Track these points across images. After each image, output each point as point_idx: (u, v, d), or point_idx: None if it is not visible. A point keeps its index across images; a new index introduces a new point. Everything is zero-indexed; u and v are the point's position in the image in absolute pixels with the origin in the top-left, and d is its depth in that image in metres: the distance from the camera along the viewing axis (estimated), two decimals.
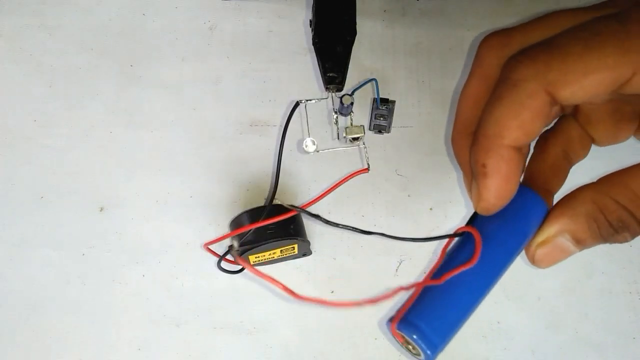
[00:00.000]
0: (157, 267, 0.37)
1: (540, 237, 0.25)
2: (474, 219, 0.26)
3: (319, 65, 0.37)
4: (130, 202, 0.38)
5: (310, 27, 0.39)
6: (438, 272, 0.25)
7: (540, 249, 0.25)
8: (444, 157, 0.39)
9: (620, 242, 0.25)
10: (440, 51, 0.42)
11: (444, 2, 0.43)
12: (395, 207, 0.38)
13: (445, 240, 0.26)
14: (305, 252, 0.36)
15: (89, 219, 0.38)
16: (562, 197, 0.26)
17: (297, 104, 0.35)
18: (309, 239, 0.35)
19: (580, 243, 0.25)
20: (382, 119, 0.39)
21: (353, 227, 0.27)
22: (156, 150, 0.39)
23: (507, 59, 0.23)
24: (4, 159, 0.39)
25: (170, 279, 0.37)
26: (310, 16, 0.40)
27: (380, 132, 0.39)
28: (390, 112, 0.39)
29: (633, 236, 0.24)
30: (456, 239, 0.26)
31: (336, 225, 0.28)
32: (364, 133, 0.35)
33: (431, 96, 0.41)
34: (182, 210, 0.38)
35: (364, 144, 0.36)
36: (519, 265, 0.37)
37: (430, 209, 0.38)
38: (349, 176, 0.33)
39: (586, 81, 0.21)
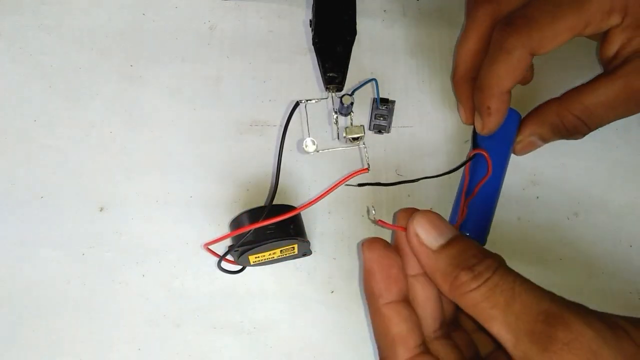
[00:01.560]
0: (157, 267, 0.37)
1: (518, 138, 0.37)
2: (475, 139, 0.37)
3: (319, 65, 0.37)
4: (130, 202, 0.38)
5: (310, 27, 0.39)
6: (468, 189, 0.36)
7: (518, 145, 0.37)
8: (444, 157, 0.39)
9: (575, 139, 0.37)
10: (440, 51, 0.42)
11: (444, 2, 0.43)
12: (395, 207, 0.38)
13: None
14: (305, 252, 0.36)
15: (89, 219, 0.38)
16: (534, 107, 0.37)
17: (297, 104, 0.35)
18: (309, 239, 0.35)
19: (544, 140, 0.37)
20: (382, 119, 0.39)
21: (402, 181, 0.37)
22: (156, 150, 0.39)
23: (498, 27, 0.33)
24: (4, 159, 0.39)
25: (170, 279, 0.37)
26: (310, 16, 0.40)
27: (380, 132, 0.39)
28: (390, 112, 0.39)
29: (583, 135, 0.36)
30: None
31: (389, 184, 0.37)
32: (364, 133, 0.35)
33: (431, 96, 0.41)
34: (182, 210, 0.38)
35: (364, 144, 0.36)
36: (519, 266, 0.37)
37: (431, 208, 0.38)
38: (349, 176, 0.33)
39: (556, 41, 0.32)
